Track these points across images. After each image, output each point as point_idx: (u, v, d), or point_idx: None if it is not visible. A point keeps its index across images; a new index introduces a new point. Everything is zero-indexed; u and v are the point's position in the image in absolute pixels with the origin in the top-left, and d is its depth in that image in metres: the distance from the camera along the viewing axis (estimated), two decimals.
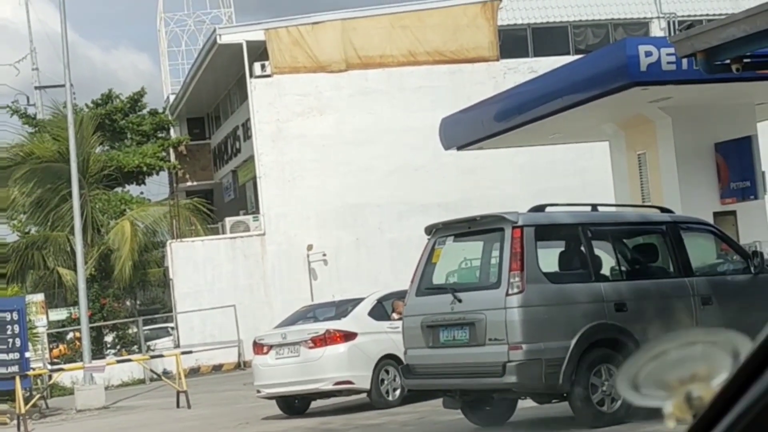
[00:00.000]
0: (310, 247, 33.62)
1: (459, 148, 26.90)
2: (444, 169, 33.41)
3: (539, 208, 12.31)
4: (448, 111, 26.63)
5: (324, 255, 33.84)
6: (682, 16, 34.88)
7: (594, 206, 12.71)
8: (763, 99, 22.28)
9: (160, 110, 44.02)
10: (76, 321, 31.82)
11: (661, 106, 22.05)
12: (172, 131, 43.82)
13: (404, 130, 33.89)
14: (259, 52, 34.72)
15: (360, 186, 33.95)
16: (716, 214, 23.08)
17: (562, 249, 12.19)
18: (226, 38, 34.53)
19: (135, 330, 34.99)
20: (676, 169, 22.95)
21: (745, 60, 12.29)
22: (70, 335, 34.57)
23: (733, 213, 23.28)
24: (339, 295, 20.61)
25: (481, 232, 12.25)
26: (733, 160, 22.93)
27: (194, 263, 34.03)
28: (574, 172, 33.79)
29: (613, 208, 13.91)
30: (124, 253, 34.18)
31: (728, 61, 12.31)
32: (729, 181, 23.05)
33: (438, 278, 12.73)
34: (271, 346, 17.27)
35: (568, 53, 33.71)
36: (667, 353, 0.95)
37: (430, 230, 12.74)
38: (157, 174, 43.09)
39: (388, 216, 34.15)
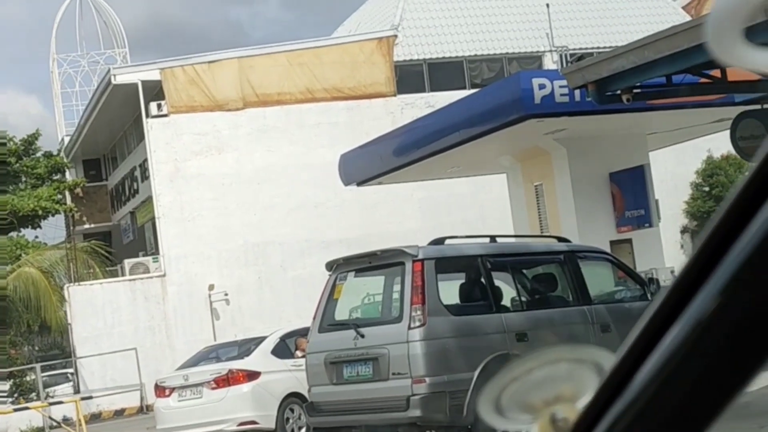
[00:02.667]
0: (211, 287, 33.31)
1: (359, 184, 26.98)
2: (345, 205, 33.46)
3: (439, 241, 12.38)
4: (348, 147, 26.72)
5: (226, 294, 33.55)
6: (574, 49, 35.58)
7: (493, 237, 12.82)
8: (654, 128, 22.79)
9: (55, 152, 43.35)
10: None
11: (556, 137, 22.40)
12: (67, 173, 43.16)
13: (304, 167, 33.87)
14: (155, 91, 34.43)
15: (261, 224, 33.80)
16: (613, 243, 23.47)
17: (463, 281, 12.26)
18: (121, 78, 34.18)
19: (33, 377, 34.20)
20: (572, 199, 23.30)
21: (635, 90, 12.57)
22: None
23: (629, 241, 23.71)
24: (242, 335, 20.44)
25: (382, 266, 12.27)
26: (627, 189, 23.38)
27: (93, 307, 33.45)
28: (474, 205, 34.11)
29: (512, 239, 14.04)
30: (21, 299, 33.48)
31: (619, 92, 12.58)
32: (624, 210, 23.48)
33: (340, 314, 12.70)
34: (173, 389, 17.03)
35: (464, 87, 34.10)
36: (530, 372, 0.92)
37: (331, 266, 12.72)
38: (53, 217, 42.36)
39: (290, 253, 34.04)
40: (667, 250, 29.96)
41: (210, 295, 33.44)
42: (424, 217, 33.88)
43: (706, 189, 37.39)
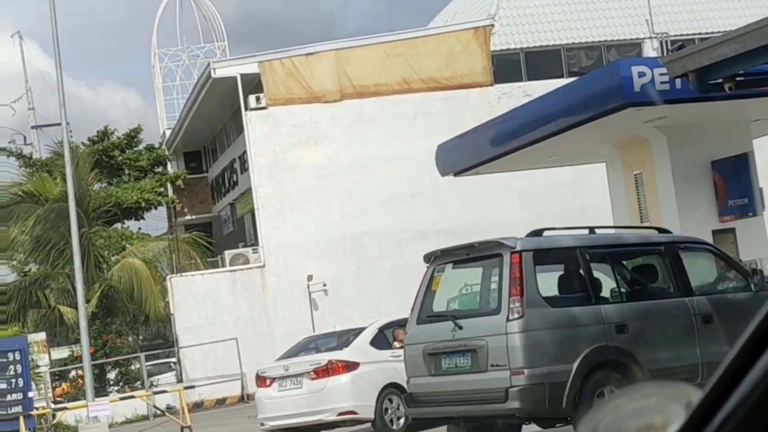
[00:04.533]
0: (310, 278, 33.59)
1: (456, 174, 26.92)
2: (442, 196, 33.44)
3: (537, 233, 12.31)
4: (444, 137, 26.67)
5: (324, 285, 33.80)
6: (675, 36, 34.99)
7: (592, 229, 12.70)
8: (758, 116, 22.32)
9: (156, 145, 44.13)
10: (78, 359, 31.74)
11: (656, 125, 22.08)
12: (169, 166, 43.91)
13: (401, 158, 33.94)
14: (254, 84, 34.81)
15: (359, 215, 33.96)
16: (715, 232, 23.06)
17: (561, 272, 12.18)
18: (221, 72, 34.63)
19: (138, 366, 34.90)
20: (673, 187, 22.94)
21: (737, 78, 12.33)
22: (73, 373, 34.48)
23: (732, 230, 23.25)
24: (340, 325, 20.58)
25: (480, 258, 12.24)
26: (730, 178, 22.93)
27: (195, 297, 33.99)
28: (573, 195, 33.81)
29: (611, 230, 13.90)
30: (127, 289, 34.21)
31: (720, 80, 12.35)
32: (727, 199, 23.04)
33: (438, 306, 12.71)
34: (273, 379, 17.22)
35: (561, 76, 33.79)
36: (623, 405, 0.96)
37: (429, 258, 12.74)
38: (156, 209, 43.18)
39: (388, 244, 34.15)
40: None
41: (309, 286, 33.73)
42: (522, 207, 33.69)
43: None
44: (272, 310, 34.01)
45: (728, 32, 12.61)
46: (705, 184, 23.01)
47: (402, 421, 16.56)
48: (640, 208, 24.10)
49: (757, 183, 22.90)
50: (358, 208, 34.01)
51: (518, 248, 11.55)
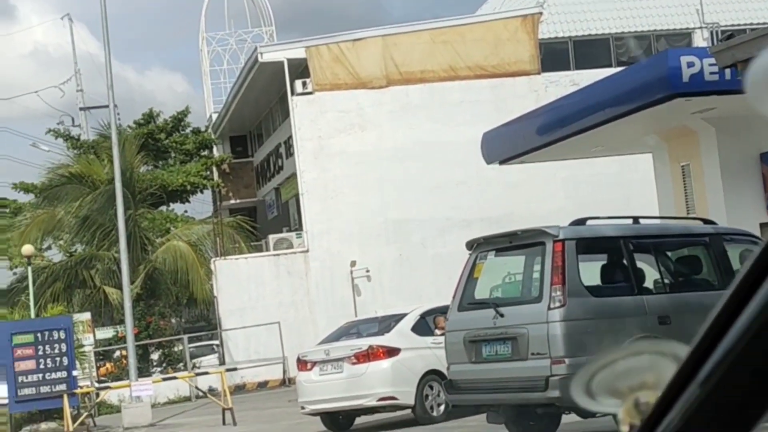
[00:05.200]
0: (353, 264, 33.67)
1: (501, 163, 26.82)
2: (486, 184, 33.35)
3: (580, 222, 12.24)
4: (490, 125, 26.58)
5: (367, 271, 33.87)
6: (725, 26, 34.59)
7: (636, 219, 12.62)
8: None
9: (202, 129, 44.36)
10: (122, 339, 32.06)
11: (704, 116, 21.88)
12: (215, 150, 44.13)
13: (446, 145, 33.88)
14: (300, 69, 34.89)
15: (402, 201, 33.96)
16: (763, 225, 22.82)
17: (604, 262, 12.11)
18: (268, 56, 34.73)
19: (180, 348, 35.19)
20: (720, 179, 22.74)
21: None
22: (117, 353, 34.81)
23: None
24: (382, 311, 20.61)
25: (523, 246, 12.21)
26: None
27: (238, 281, 34.18)
28: (618, 185, 33.59)
29: (656, 221, 13.79)
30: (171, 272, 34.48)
31: None
32: None
33: (480, 293, 12.69)
34: (314, 363, 17.29)
35: (610, 65, 33.54)
36: (616, 362, 0.97)
37: (472, 245, 12.72)
38: (201, 192, 43.42)
39: (431, 231, 34.13)
40: None
41: (352, 272, 33.81)
42: (567, 196, 33.52)
43: None
44: (315, 295, 34.14)
45: None
46: (753, 177, 22.78)
47: (442, 408, 16.58)
48: (686, 199, 23.91)
49: None
50: (402, 195, 34.01)
51: (561, 237, 11.50)
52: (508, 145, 25.66)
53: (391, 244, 34.26)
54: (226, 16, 45.03)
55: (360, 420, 17.93)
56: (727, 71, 16.74)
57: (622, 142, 25.25)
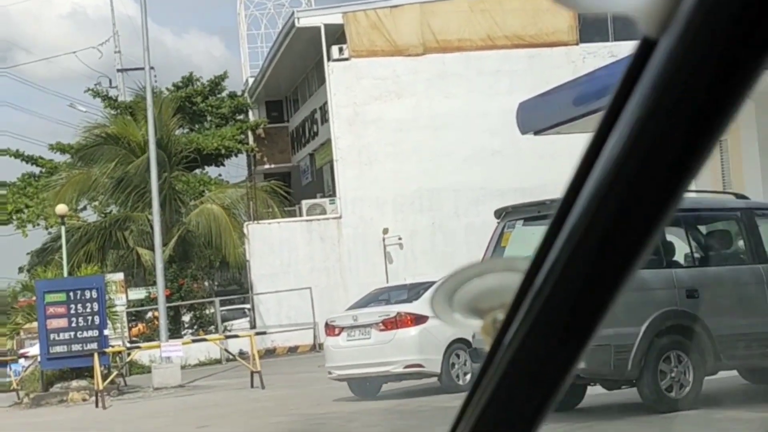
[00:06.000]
0: (385, 231, 33.68)
1: (536, 133, 26.67)
2: (521, 154, 33.17)
3: None
4: (526, 95, 26.37)
5: (400, 239, 33.88)
6: None
7: None
8: None
9: (239, 93, 44.40)
10: (154, 300, 32.30)
11: None
12: (250, 114, 44.18)
13: (481, 115, 33.73)
14: (337, 35, 34.80)
15: (436, 170, 33.89)
16: None
17: None
18: (305, 21, 34.67)
19: (212, 311, 35.42)
20: (758, 155, 22.56)
21: None
22: (149, 314, 35.09)
23: None
24: (413, 279, 20.60)
25: (551, 216, 12.13)
26: None
27: (270, 245, 34.30)
28: None
29: (687, 194, 13.69)
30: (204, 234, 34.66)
31: None
32: None
33: None
34: (342, 328, 17.35)
35: None
36: (473, 281, 1.02)
37: (500, 214, 12.69)
38: (236, 156, 43.52)
39: (465, 200, 34.05)
40: None
41: (384, 239, 33.83)
42: None
43: None
44: (347, 262, 34.19)
45: None
46: None
47: (468, 377, 16.56)
48: (723, 174, 23.73)
49: None
50: (437, 164, 33.93)
51: None
52: (544, 115, 25.50)
53: (424, 212, 34.23)
54: None
55: (386, 387, 17.97)
56: None
57: None
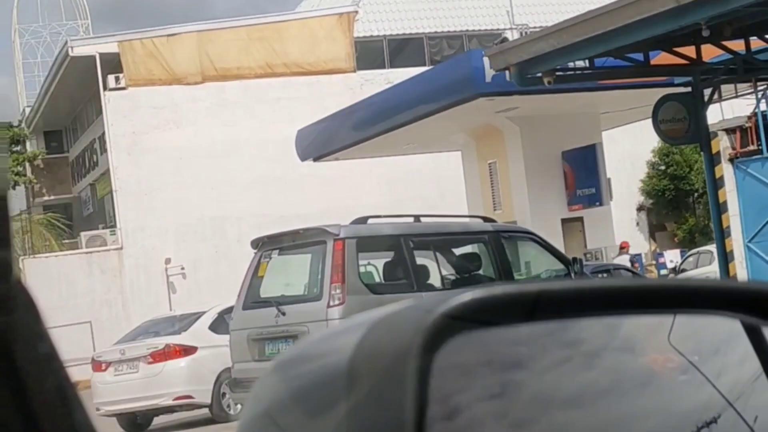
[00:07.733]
0: (168, 261, 33.30)
1: (315, 159, 26.96)
2: (303, 181, 33.44)
3: (362, 220, 12.45)
4: (307, 123, 26.72)
5: (183, 268, 33.54)
6: (534, 27, 35.56)
7: (417, 217, 12.89)
8: (607, 108, 22.88)
9: (15, 123, 43.16)
10: None
11: (508, 116, 22.47)
12: (28, 144, 42.98)
13: (263, 142, 33.82)
14: (114, 64, 34.28)
15: (218, 198, 33.76)
16: (564, 221, 23.59)
17: (387, 260, 12.34)
18: (79, 50, 34.01)
19: None
20: (525, 176, 23.39)
21: (557, 73, 12.61)
22: None
23: (581, 219, 23.84)
24: (193, 309, 20.45)
25: (306, 245, 12.31)
26: (579, 168, 23.49)
27: (49, 279, 33.32)
28: (433, 181, 34.16)
29: (437, 219, 14.15)
30: None
31: (540, 74, 12.62)
32: (576, 188, 23.60)
33: (265, 292, 12.74)
34: (109, 363, 17.07)
35: (423, 64, 34.03)
36: None
37: (257, 244, 12.79)
38: (14, 189, 42.22)
39: (248, 228, 33.90)
40: (622, 227, 30.16)
41: (167, 269, 33.43)
42: (382, 192, 33.90)
43: (662, 168, 37.60)
44: (129, 294, 33.62)
45: (546, 28, 12.90)
46: (555, 174, 23.52)
47: (239, 406, 16.55)
48: (493, 196, 24.50)
49: (604, 173, 23.49)
50: (218, 192, 33.82)
51: (342, 235, 11.66)
52: (322, 142, 25.81)
53: (207, 240, 34.01)
54: (39, 8, 43.92)
55: (158, 420, 17.77)
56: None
57: (433, 140, 25.69)
